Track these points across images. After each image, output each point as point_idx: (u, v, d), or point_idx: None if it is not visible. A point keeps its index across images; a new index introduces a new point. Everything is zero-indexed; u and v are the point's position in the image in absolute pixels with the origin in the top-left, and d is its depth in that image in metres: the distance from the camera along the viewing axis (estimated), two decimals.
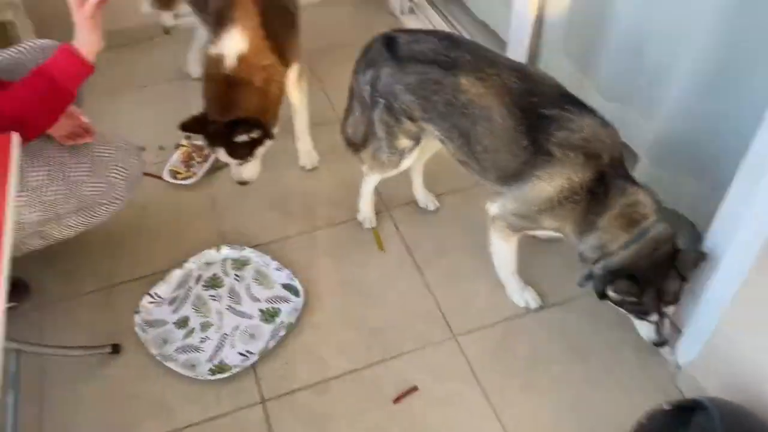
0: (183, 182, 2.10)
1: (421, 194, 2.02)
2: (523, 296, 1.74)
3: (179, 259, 1.85)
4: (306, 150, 2.14)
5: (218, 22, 1.64)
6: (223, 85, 1.63)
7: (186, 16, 2.89)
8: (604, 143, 1.42)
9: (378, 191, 2.08)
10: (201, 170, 2.14)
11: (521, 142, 1.46)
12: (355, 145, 1.88)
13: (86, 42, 1.40)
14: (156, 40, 2.80)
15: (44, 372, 1.62)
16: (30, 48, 1.68)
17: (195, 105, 1.76)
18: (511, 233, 1.63)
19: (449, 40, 1.59)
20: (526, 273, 1.78)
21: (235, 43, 1.62)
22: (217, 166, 2.15)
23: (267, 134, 1.72)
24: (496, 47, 2.43)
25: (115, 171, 1.59)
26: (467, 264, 1.85)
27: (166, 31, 2.83)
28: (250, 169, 1.83)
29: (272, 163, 2.04)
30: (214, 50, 1.65)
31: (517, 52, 2.07)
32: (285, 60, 1.72)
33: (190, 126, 1.67)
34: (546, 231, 1.58)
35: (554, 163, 1.42)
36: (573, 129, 1.41)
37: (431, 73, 1.53)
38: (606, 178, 1.41)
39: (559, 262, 1.83)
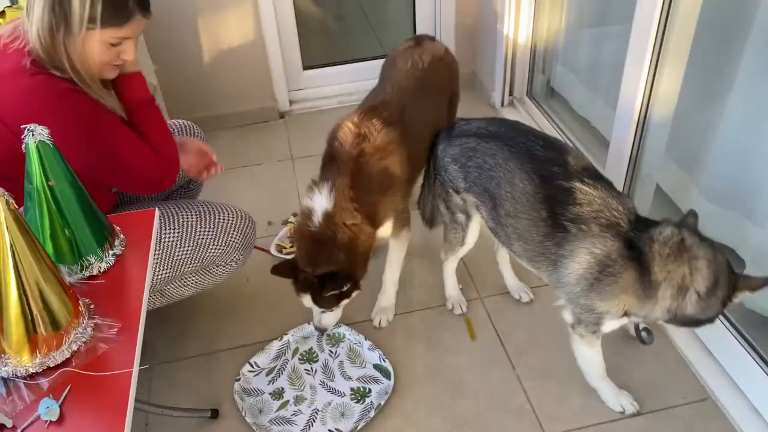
0: (288, 257, 2.22)
1: (513, 284, 2.04)
2: (618, 400, 1.69)
3: (278, 330, 1.94)
4: (384, 306, 2.00)
5: (319, 177, 1.73)
6: (309, 238, 1.66)
7: (299, 102, 3.16)
8: (618, 211, 1.45)
9: (472, 280, 2.11)
10: None
11: (540, 212, 1.51)
12: (428, 222, 2.01)
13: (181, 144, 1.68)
14: (270, 123, 3.05)
15: (148, 428, 1.72)
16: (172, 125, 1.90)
17: (302, 184, 1.90)
18: (592, 337, 1.60)
19: (500, 121, 1.75)
20: (622, 376, 1.73)
21: (323, 201, 1.66)
22: None
23: (356, 286, 1.73)
24: (598, 146, 2.49)
25: (233, 235, 1.74)
26: (561, 360, 1.82)
27: (281, 115, 3.09)
28: (330, 318, 1.79)
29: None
30: (307, 202, 1.69)
31: (619, 151, 2.09)
32: (374, 221, 1.71)
33: (281, 270, 1.70)
34: (621, 320, 1.55)
35: (571, 239, 1.46)
36: (584, 202, 1.45)
37: (470, 143, 1.69)
38: (633, 241, 1.42)
39: (658, 367, 1.77)
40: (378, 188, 1.70)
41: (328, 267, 1.63)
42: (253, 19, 2.79)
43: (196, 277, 1.75)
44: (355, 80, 3.19)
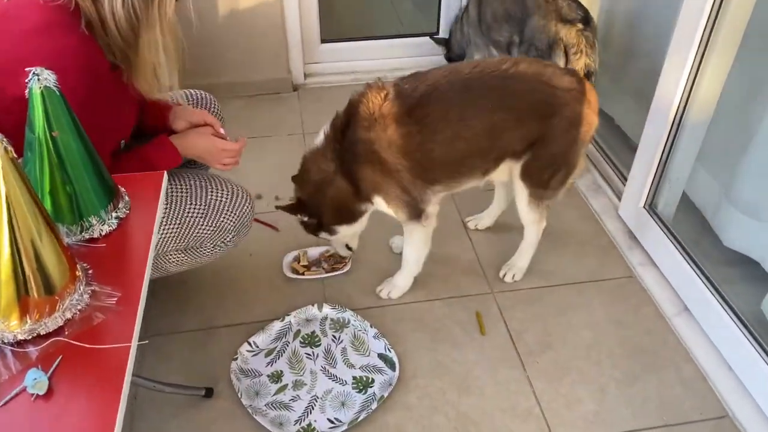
0: (302, 276, 2.01)
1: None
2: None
3: (280, 311, 1.85)
4: (395, 282, 1.94)
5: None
6: (303, 160, 1.75)
7: (314, 75, 3.05)
8: None
9: (484, 273, 2.03)
10: (321, 274, 2.01)
11: None
12: None
13: (189, 144, 1.57)
14: (283, 95, 2.94)
15: (135, 400, 1.64)
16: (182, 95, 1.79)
17: None
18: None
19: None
20: (637, 385, 1.65)
21: (319, 137, 1.70)
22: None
23: (320, 227, 1.79)
24: (623, 145, 2.40)
25: (226, 216, 1.61)
26: (573, 363, 1.74)
27: (295, 88, 2.98)
28: (333, 242, 1.92)
29: (384, 235, 2.06)
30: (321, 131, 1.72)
31: (648, 152, 1.99)
32: (353, 184, 1.69)
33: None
34: None
35: None
36: None
37: None
38: None
39: (675, 379, 1.70)
40: (359, 157, 1.63)
41: (299, 193, 1.77)
42: None
43: (184, 256, 1.62)
44: (372, 58, 3.09)
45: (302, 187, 1.76)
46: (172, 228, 1.55)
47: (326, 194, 1.70)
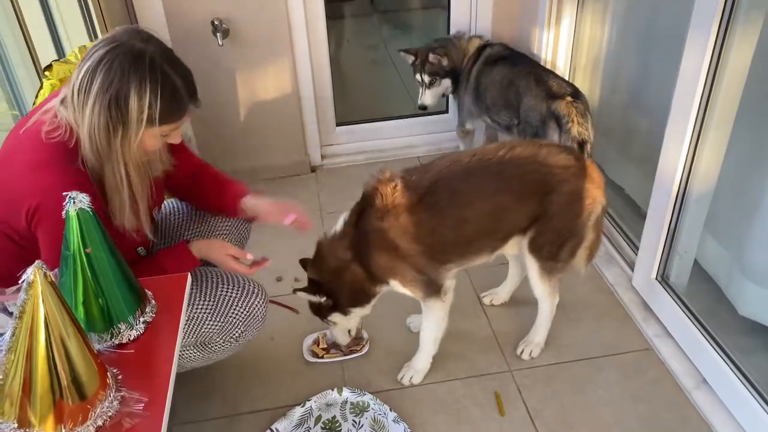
0: (320, 360, 2.06)
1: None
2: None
3: (302, 395, 1.89)
4: (415, 366, 1.97)
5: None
6: (318, 246, 1.84)
7: (331, 156, 3.18)
8: None
9: (502, 351, 2.06)
10: (339, 357, 2.07)
11: None
12: None
13: (206, 254, 1.63)
14: (302, 177, 3.07)
15: None
16: None
17: None
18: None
19: None
20: None
21: (338, 225, 1.80)
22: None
23: (335, 308, 1.84)
24: (635, 215, 2.44)
25: (234, 311, 1.65)
26: None
27: (313, 169, 3.11)
28: (335, 332, 1.98)
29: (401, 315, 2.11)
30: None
31: (656, 223, 2.04)
32: (369, 270, 1.76)
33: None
34: None
35: None
36: None
37: None
38: None
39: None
40: (373, 245, 1.71)
41: (313, 275, 1.83)
42: (290, 74, 2.84)
43: (197, 351, 1.69)
44: (386, 137, 3.22)
45: (319, 272, 1.83)
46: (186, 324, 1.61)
47: (344, 279, 1.78)
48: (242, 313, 1.67)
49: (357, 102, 3.75)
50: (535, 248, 1.77)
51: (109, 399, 1.06)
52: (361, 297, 1.82)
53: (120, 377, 1.11)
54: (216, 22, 2.62)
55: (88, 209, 1.11)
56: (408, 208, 1.66)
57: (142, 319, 1.23)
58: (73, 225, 1.11)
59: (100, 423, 1.03)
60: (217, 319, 1.64)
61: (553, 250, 1.78)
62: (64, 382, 0.98)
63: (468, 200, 1.69)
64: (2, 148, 1.44)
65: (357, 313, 1.86)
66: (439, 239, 1.71)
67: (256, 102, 2.87)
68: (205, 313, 1.63)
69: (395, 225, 1.67)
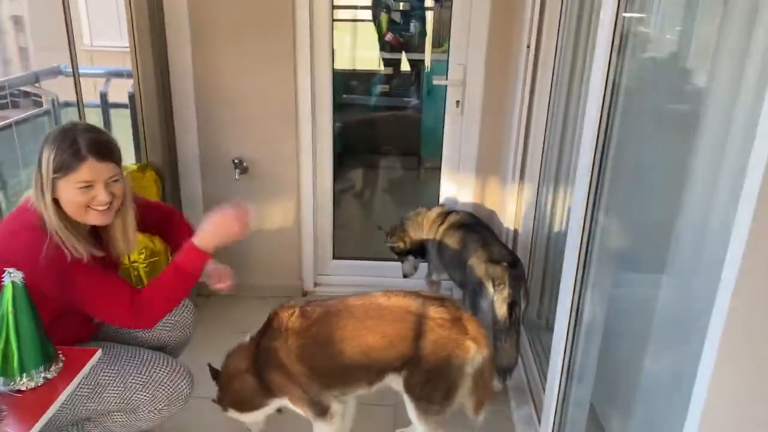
0: None
1: None
2: None
3: None
4: None
5: None
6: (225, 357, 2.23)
7: (323, 285, 3.53)
8: None
9: None
10: None
11: None
12: None
13: (207, 237, 1.86)
14: (293, 299, 3.42)
15: None
16: None
17: None
18: None
19: None
20: None
21: (246, 337, 2.19)
22: None
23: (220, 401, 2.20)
24: None
25: (162, 389, 1.95)
26: None
27: (304, 293, 3.47)
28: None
29: None
30: None
31: (551, 387, 2.19)
32: (260, 381, 2.09)
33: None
34: None
35: None
36: None
37: None
38: None
39: None
40: (266, 361, 2.03)
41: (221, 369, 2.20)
42: (294, 210, 3.31)
43: (124, 416, 1.98)
44: (379, 276, 3.54)
45: (222, 369, 2.19)
46: (116, 390, 1.92)
47: (234, 385, 2.12)
48: (168, 390, 1.97)
49: (358, 238, 4.17)
50: (408, 387, 2.00)
51: None
52: (246, 404, 2.13)
53: (4, 412, 1.45)
54: (236, 161, 3.18)
55: (20, 282, 1.52)
56: (297, 332, 1.99)
57: (42, 375, 1.57)
58: (8, 292, 1.52)
59: None
60: (146, 391, 1.95)
61: (425, 392, 1.98)
62: None
63: (344, 336, 1.99)
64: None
65: (244, 418, 2.14)
66: (319, 364, 2.00)
67: (260, 227, 3.34)
68: (136, 384, 1.94)
69: (284, 346, 2.00)
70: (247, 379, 2.07)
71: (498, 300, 2.49)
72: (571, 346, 2.09)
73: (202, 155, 3.22)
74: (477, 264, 2.60)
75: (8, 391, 1.53)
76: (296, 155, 3.23)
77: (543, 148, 2.86)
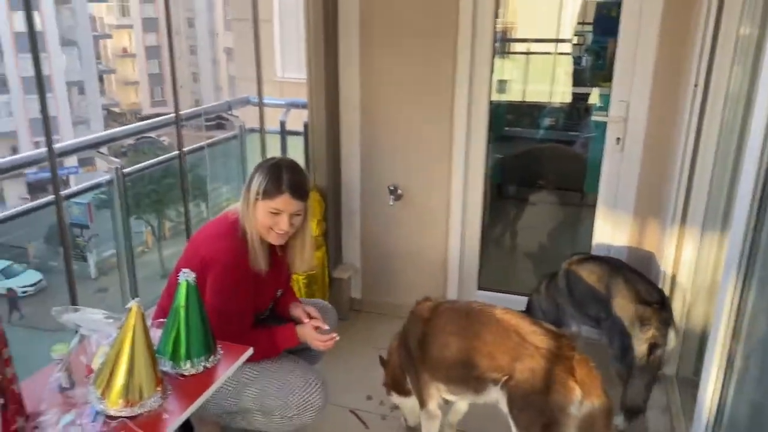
0: None
1: None
2: None
3: None
4: None
5: None
6: None
7: None
8: None
9: None
10: None
11: None
12: None
13: (304, 339, 2.21)
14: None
15: None
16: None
17: None
18: None
19: None
20: None
21: None
22: None
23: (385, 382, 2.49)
24: None
25: (294, 397, 2.12)
26: None
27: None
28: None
29: None
30: None
31: None
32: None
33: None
34: None
35: None
36: None
37: None
38: None
39: None
40: (400, 341, 2.40)
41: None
42: (441, 238, 3.43)
43: (261, 417, 2.17)
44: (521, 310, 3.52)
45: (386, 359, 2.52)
46: (254, 392, 2.13)
47: (388, 365, 2.46)
48: (299, 398, 2.14)
49: (502, 271, 4.16)
50: (510, 410, 2.03)
51: (156, 398, 1.65)
52: (398, 385, 2.38)
53: (169, 390, 1.71)
54: (391, 187, 3.38)
55: (192, 282, 1.80)
56: (424, 321, 2.23)
57: (202, 364, 1.83)
58: (183, 289, 1.81)
59: (145, 409, 1.62)
60: (280, 398, 2.14)
61: (523, 420, 1.98)
62: (131, 377, 1.62)
63: (454, 332, 2.18)
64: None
65: (402, 403, 2.40)
66: (432, 353, 2.18)
67: (409, 252, 3.50)
68: (271, 388, 2.14)
69: (412, 330, 2.25)
70: (394, 358, 2.39)
71: (640, 339, 2.42)
72: (719, 401, 1.94)
73: (362, 180, 3.47)
74: (625, 303, 2.51)
75: (174, 373, 1.80)
76: (448, 185, 3.35)
77: (708, 191, 2.68)
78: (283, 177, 2.07)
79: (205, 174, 4.36)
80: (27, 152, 2.55)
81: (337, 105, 3.38)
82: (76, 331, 1.81)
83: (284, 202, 2.07)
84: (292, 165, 2.15)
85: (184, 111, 3.07)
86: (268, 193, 2.07)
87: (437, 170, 3.35)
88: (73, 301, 2.34)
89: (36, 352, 1.93)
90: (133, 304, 1.62)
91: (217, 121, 4.04)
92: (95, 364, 1.72)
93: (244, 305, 2.14)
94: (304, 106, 3.42)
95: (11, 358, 1.50)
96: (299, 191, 2.09)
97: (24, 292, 13.19)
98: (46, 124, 2.28)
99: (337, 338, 2.21)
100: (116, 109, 33.52)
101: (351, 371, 2.93)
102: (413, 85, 3.27)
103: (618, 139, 3.15)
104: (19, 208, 2.51)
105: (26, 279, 16.00)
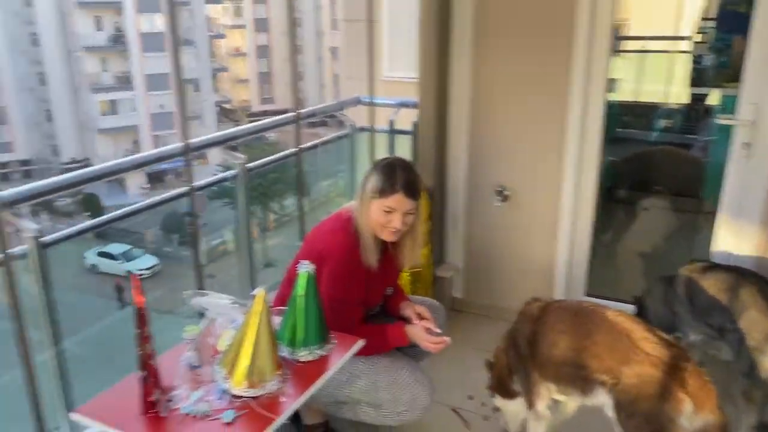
0: None
1: None
2: None
3: None
4: None
5: None
6: None
7: None
8: None
9: None
10: None
11: None
12: None
13: (414, 340, 2.22)
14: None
15: None
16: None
17: None
18: None
19: None
20: None
21: None
22: None
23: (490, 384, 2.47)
24: None
25: (404, 392, 2.17)
26: None
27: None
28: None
29: None
30: None
31: None
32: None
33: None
34: None
35: None
36: None
37: None
38: None
39: None
40: (508, 340, 2.41)
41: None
42: (551, 237, 3.36)
43: (369, 408, 2.22)
44: None
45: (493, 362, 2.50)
46: (364, 384, 2.20)
47: (495, 367, 2.43)
48: (407, 396, 2.19)
49: (614, 278, 4.01)
50: (616, 415, 1.95)
51: (276, 381, 1.75)
52: (503, 388, 2.37)
53: (288, 375, 1.81)
54: (499, 188, 3.36)
55: (312, 273, 1.89)
56: (534, 319, 2.22)
57: (318, 351, 1.92)
58: (302, 279, 1.90)
59: (266, 391, 1.72)
60: (390, 392, 2.20)
61: (629, 428, 1.91)
62: (255, 360, 1.72)
63: (564, 330, 2.15)
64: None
65: (505, 406, 2.39)
66: (541, 351, 2.16)
67: (514, 254, 3.46)
68: (382, 382, 2.21)
69: (522, 329, 2.25)
70: (501, 359, 2.38)
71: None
72: None
73: (468, 180, 3.47)
74: (761, 317, 2.36)
75: (291, 359, 1.90)
76: (558, 188, 3.28)
77: None
78: (397, 176, 2.13)
79: (310, 170, 4.52)
80: (163, 147, 2.75)
81: (446, 105, 3.40)
82: (202, 314, 1.95)
83: (398, 200, 2.12)
84: (406, 164, 2.20)
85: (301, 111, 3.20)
86: (382, 192, 2.12)
87: (547, 172, 3.28)
88: (200, 286, 2.51)
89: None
90: (259, 291, 1.72)
91: (322, 118, 4.18)
92: (221, 346, 1.84)
93: (356, 297, 2.21)
94: (414, 105, 3.46)
95: (151, 336, 1.65)
96: (412, 190, 2.14)
97: (141, 275, 14.20)
98: (183, 122, 2.46)
99: (449, 342, 2.21)
100: (227, 106, 35.37)
101: (452, 370, 2.94)
102: (524, 84, 3.23)
103: (745, 143, 2.95)
104: (155, 198, 2.71)
105: (144, 263, 17.31)
